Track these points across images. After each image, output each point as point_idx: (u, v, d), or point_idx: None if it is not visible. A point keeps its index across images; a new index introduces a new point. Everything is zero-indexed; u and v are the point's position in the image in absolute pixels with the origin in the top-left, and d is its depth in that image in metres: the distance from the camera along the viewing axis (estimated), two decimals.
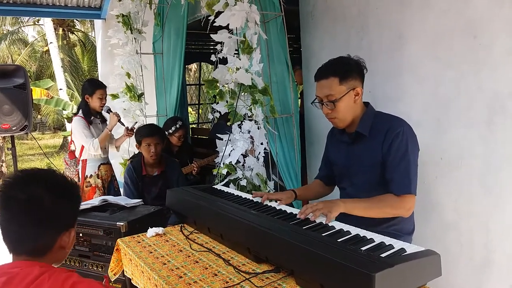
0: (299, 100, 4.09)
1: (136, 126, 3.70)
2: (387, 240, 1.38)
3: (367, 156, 1.75)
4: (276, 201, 1.89)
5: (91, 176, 3.60)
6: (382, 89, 2.54)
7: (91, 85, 3.58)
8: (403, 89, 2.44)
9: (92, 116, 3.58)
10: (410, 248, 1.31)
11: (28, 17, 16.78)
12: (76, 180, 3.67)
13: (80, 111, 3.57)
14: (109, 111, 3.63)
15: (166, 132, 3.61)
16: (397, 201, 1.66)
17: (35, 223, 1.12)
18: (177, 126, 3.72)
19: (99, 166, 3.63)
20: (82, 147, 3.53)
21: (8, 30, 17.92)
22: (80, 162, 3.60)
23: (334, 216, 1.57)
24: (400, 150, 1.66)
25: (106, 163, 3.71)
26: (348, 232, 1.47)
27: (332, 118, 1.77)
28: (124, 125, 3.71)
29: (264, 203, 1.89)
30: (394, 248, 1.32)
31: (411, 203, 1.67)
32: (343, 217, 1.62)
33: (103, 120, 3.71)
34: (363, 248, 1.30)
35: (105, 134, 3.52)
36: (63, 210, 1.18)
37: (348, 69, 1.71)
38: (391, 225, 1.75)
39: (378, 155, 1.71)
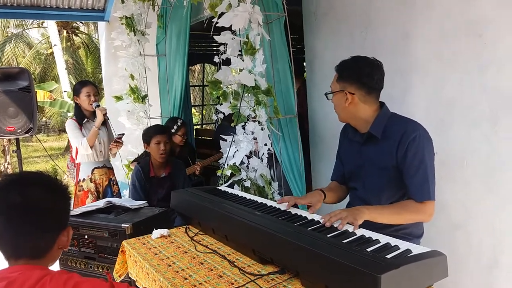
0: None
1: (122, 137, 3.58)
2: (393, 241, 1.37)
3: (379, 158, 1.72)
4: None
5: (84, 180, 3.51)
6: (386, 89, 2.51)
7: (77, 85, 3.55)
8: (406, 89, 2.43)
9: (86, 119, 3.49)
10: (416, 249, 1.30)
11: (32, 20, 16.88)
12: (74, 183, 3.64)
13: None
14: (97, 106, 3.46)
15: None
16: (419, 208, 1.64)
17: (33, 226, 1.12)
18: (179, 124, 3.74)
19: (92, 170, 3.52)
20: (77, 150, 3.49)
21: (13, 32, 18.03)
22: (76, 165, 3.57)
23: (360, 223, 1.54)
24: (417, 155, 1.63)
25: (102, 166, 3.58)
26: (353, 233, 1.47)
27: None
28: (108, 119, 3.55)
29: (269, 205, 1.89)
30: (400, 249, 1.31)
31: (432, 209, 1.65)
32: None
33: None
34: (369, 249, 1.29)
35: (93, 132, 3.40)
36: (58, 209, 1.18)
37: (349, 72, 1.72)
38: (401, 229, 1.73)
39: (391, 159, 1.68)
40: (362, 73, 1.70)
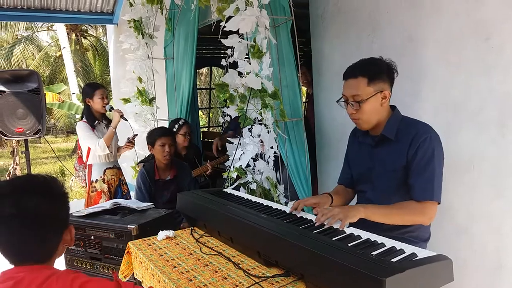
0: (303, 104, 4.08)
1: (135, 137, 3.66)
2: (398, 245, 1.37)
3: (391, 160, 1.72)
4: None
5: (96, 181, 3.54)
6: (393, 92, 2.52)
7: (89, 88, 3.56)
8: (413, 92, 2.42)
9: (96, 120, 3.52)
10: (421, 253, 1.30)
11: (42, 23, 17.06)
12: (84, 185, 3.67)
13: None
14: (111, 108, 3.54)
15: None
16: (418, 209, 1.63)
17: (34, 234, 1.11)
18: (180, 123, 3.74)
19: (104, 171, 3.56)
20: (88, 151, 3.49)
21: (22, 35, 18.24)
22: (87, 167, 3.60)
23: (350, 222, 1.54)
24: (425, 156, 1.63)
25: (113, 167, 3.62)
26: (359, 237, 1.46)
27: (356, 119, 1.73)
28: (127, 120, 3.63)
29: (275, 207, 1.89)
30: (405, 253, 1.31)
31: (432, 211, 1.64)
32: (359, 221, 1.60)
33: (110, 123, 3.64)
34: (374, 253, 1.29)
35: (110, 132, 3.43)
36: (56, 213, 1.17)
37: (378, 70, 1.68)
38: (408, 232, 1.72)
39: (402, 160, 1.68)
40: (390, 70, 1.70)
